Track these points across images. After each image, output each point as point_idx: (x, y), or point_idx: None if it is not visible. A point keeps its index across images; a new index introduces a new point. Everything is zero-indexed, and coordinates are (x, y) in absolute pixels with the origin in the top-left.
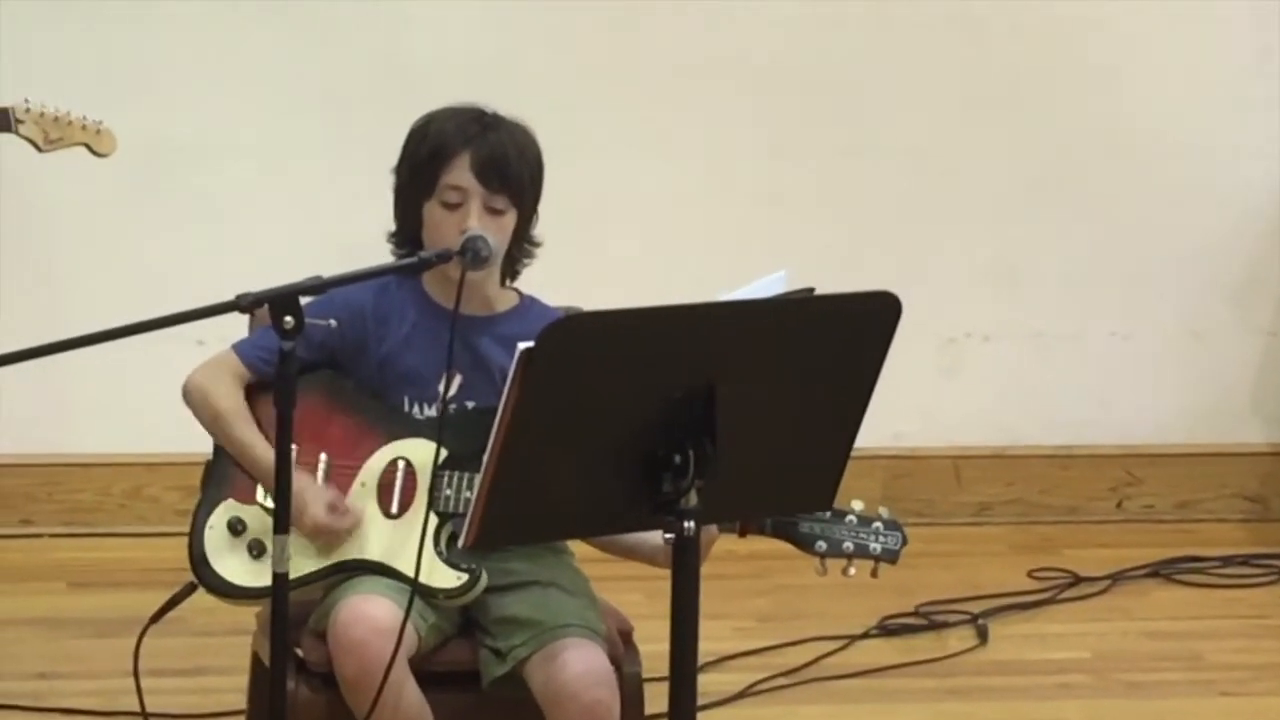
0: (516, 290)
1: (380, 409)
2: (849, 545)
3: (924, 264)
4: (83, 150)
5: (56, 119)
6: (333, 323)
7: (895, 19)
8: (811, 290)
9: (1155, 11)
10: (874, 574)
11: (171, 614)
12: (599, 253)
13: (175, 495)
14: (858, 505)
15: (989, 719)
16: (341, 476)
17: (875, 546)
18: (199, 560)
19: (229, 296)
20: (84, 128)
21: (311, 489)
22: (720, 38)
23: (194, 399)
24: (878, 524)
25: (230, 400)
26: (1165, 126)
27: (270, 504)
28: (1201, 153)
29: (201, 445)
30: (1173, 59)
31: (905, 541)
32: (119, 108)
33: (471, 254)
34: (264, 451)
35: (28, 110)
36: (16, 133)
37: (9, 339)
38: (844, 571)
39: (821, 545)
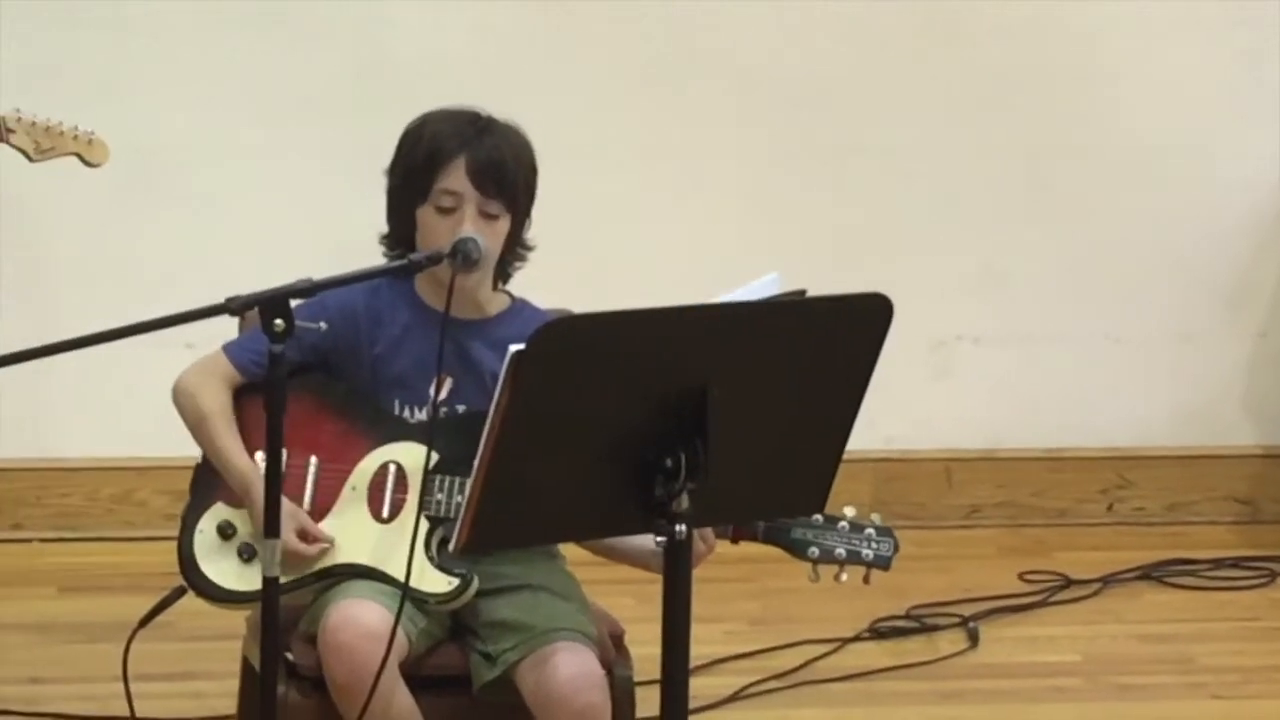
0: (508, 293)
1: (371, 412)
2: (841, 552)
3: (914, 267)
4: (73, 159)
5: (48, 129)
6: (322, 326)
7: (886, 22)
8: (804, 292)
9: (1145, 15)
10: (866, 580)
11: (161, 618)
12: (590, 255)
13: (164, 499)
14: (850, 511)
15: None
16: (331, 480)
17: (867, 553)
18: (188, 564)
19: (218, 299)
20: (75, 137)
21: (284, 510)
22: (709, 40)
23: (182, 401)
24: (870, 530)
25: (215, 404)
26: (1155, 130)
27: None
28: (1191, 156)
29: (190, 449)
30: (1163, 62)
31: (897, 548)
32: (107, 112)
33: (462, 256)
34: (241, 460)
35: (19, 119)
36: (8, 142)
37: None
38: (836, 578)
39: (814, 552)
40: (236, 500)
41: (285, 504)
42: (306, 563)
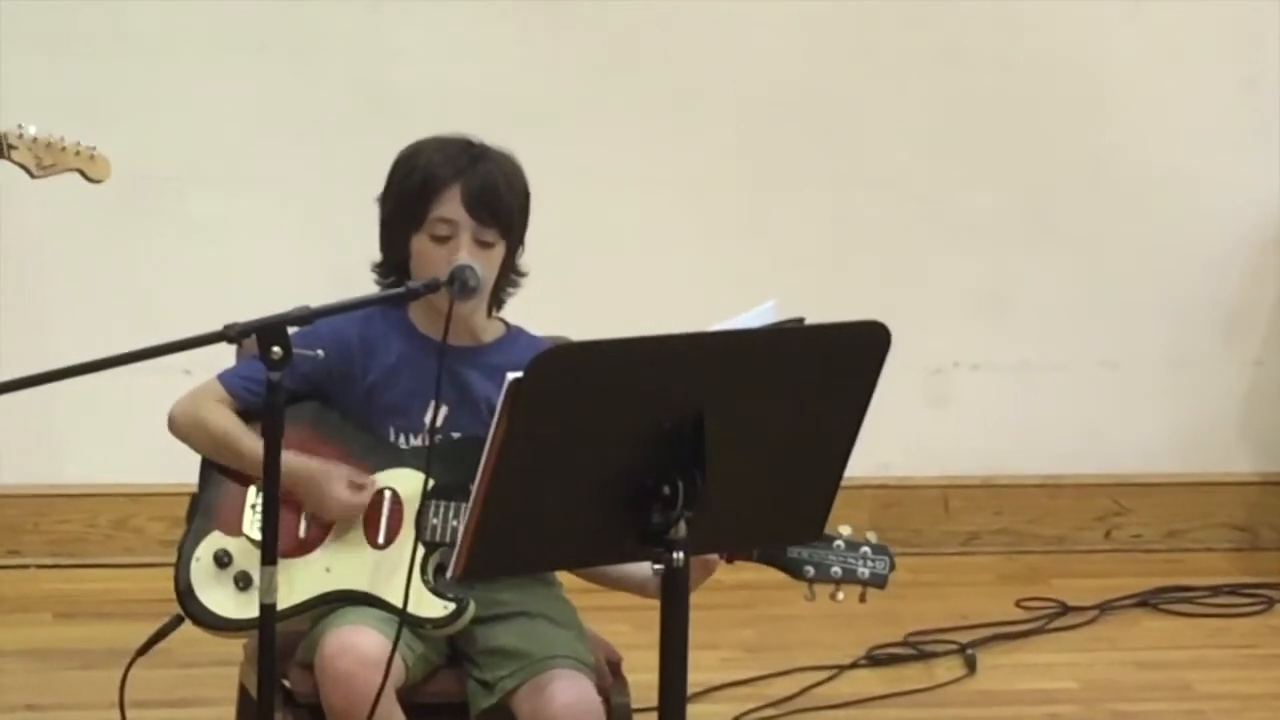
0: (503, 320)
1: (366, 440)
2: (837, 570)
3: (912, 294)
4: (72, 179)
5: (50, 145)
6: (320, 354)
7: (883, 50)
8: (801, 320)
9: (1141, 44)
10: (862, 599)
11: (158, 644)
12: (585, 283)
13: (161, 526)
14: (845, 530)
15: None
16: None
17: (863, 571)
18: (185, 592)
19: (216, 326)
20: (78, 153)
21: (326, 471)
22: (706, 68)
23: (184, 426)
24: (865, 549)
25: (226, 418)
26: (1152, 157)
27: (257, 535)
28: (1188, 183)
29: (187, 475)
30: (1159, 90)
31: (893, 566)
32: (105, 136)
33: (460, 285)
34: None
35: (20, 136)
36: (9, 158)
37: None
38: (832, 597)
39: (809, 571)
40: (233, 528)
41: (323, 467)
42: (357, 515)
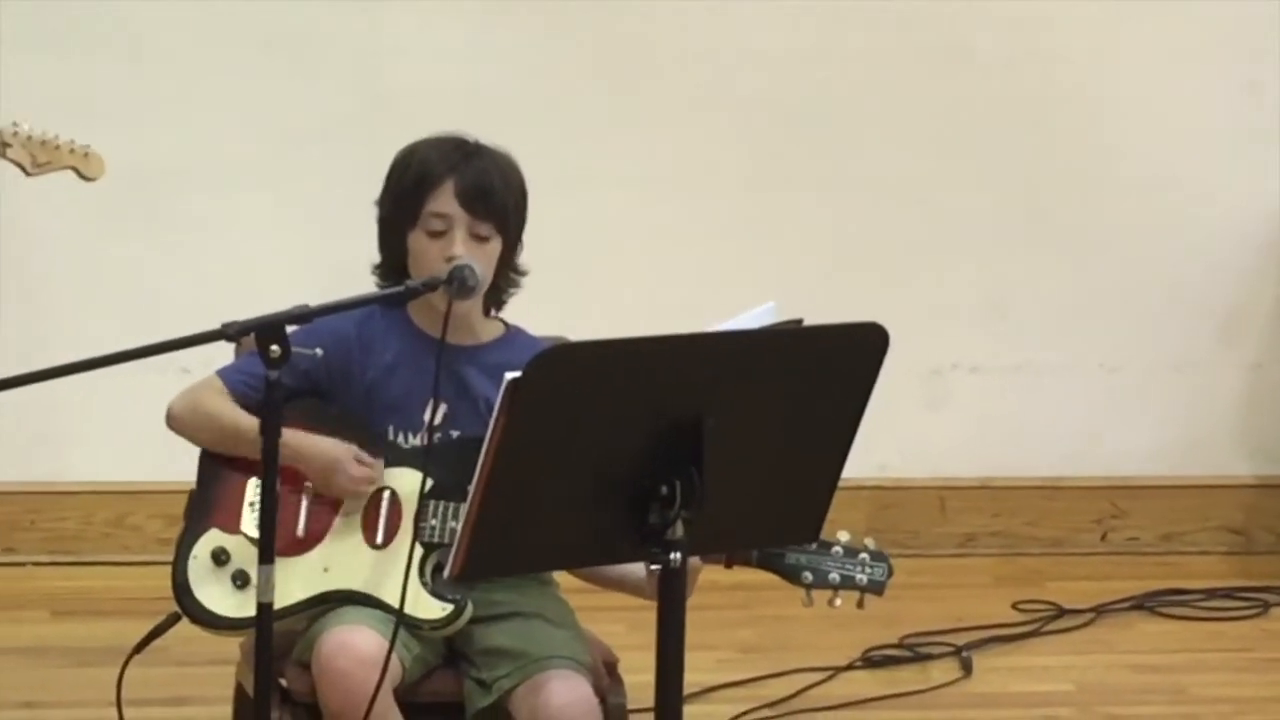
0: (502, 320)
1: (364, 438)
2: (835, 576)
3: (911, 295)
4: (69, 177)
5: (44, 142)
6: (318, 352)
7: (882, 51)
8: (800, 321)
9: (1145, 46)
10: (860, 605)
11: (154, 643)
12: (584, 284)
13: (158, 523)
14: (844, 536)
15: None
16: (325, 506)
17: (861, 578)
18: (182, 590)
19: (214, 325)
20: (72, 151)
21: (335, 447)
22: (704, 70)
23: (186, 419)
24: (864, 555)
25: (226, 406)
26: (1154, 160)
27: (254, 533)
28: (1189, 186)
29: (185, 473)
30: (1162, 93)
31: (891, 573)
32: (103, 134)
33: (458, 283)
34: (289, 435)
35: (15, 133)
36: (4, 156)
37: None
38: (830, 603)
39: (808, 576)
40: (231, 526)
41: (332, 442)
42: (364, 493)
